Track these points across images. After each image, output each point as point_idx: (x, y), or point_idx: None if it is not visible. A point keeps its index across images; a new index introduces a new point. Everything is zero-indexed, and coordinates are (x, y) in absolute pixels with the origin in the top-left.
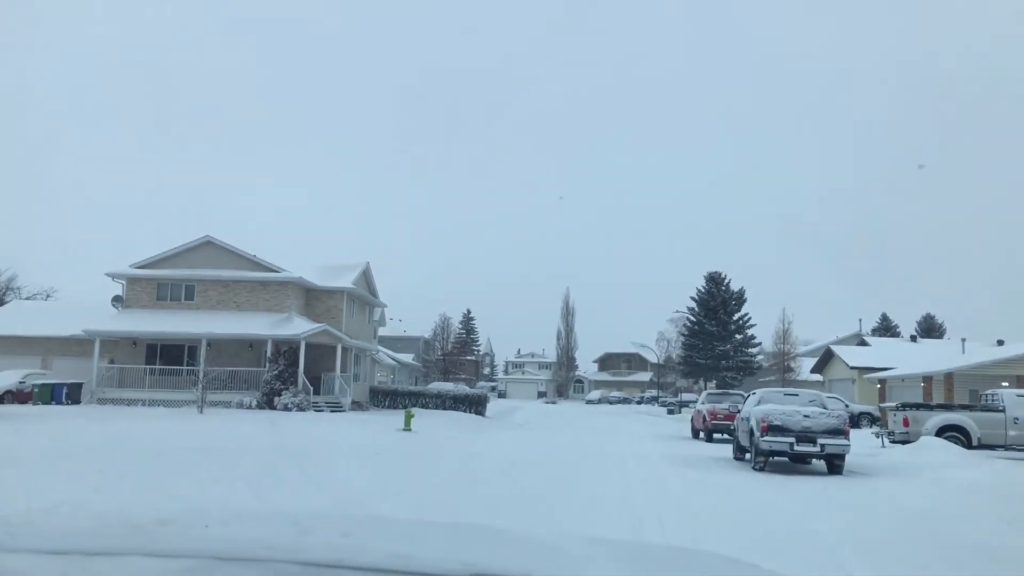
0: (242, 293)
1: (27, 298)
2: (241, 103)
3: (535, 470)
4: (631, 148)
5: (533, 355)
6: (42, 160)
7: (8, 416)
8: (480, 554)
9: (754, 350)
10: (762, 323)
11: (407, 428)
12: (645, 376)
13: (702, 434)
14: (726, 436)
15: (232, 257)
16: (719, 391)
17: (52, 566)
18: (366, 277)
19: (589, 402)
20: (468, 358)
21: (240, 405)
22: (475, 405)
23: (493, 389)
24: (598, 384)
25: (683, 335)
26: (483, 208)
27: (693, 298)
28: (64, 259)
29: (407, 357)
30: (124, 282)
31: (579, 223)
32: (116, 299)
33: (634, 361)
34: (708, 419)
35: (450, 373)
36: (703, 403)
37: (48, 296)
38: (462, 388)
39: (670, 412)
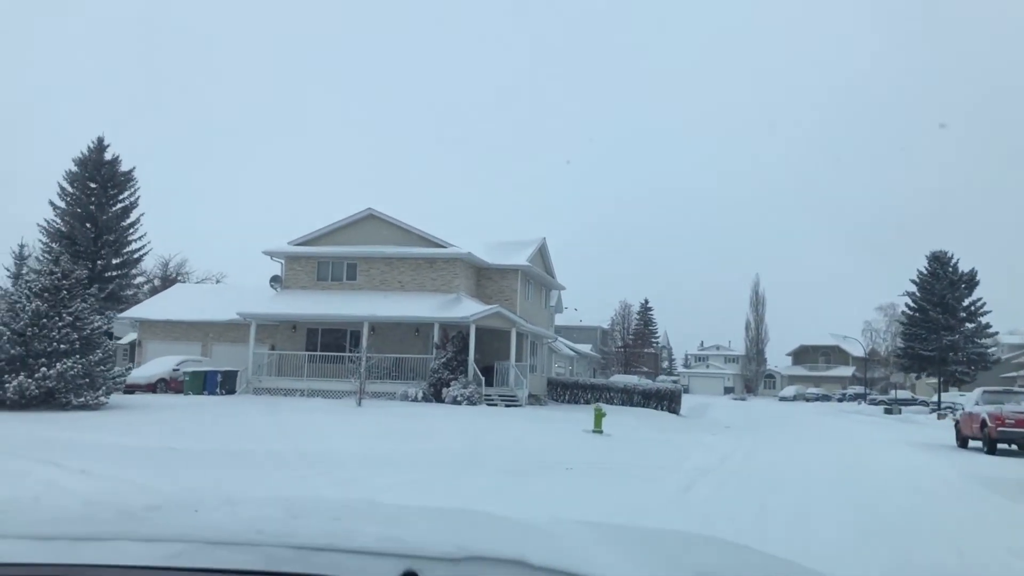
0: (406, 271)
1: (199, 282)
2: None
3: (819, 504)
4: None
5: (718, 347)
6: (226, 141)
7: (141, 407)
8: (473, 538)
9: (988, 341)
10: (998, 310)
11: (598, 429)
12: (846, 371)
13: (979, 443)
14: (1014, 447)
15: (395, 231)
16: (998, 389)
17: (40, 551)
18: (542, 255)
19: (783, 399)
20: (647, 350)
21: (404, 397)
22: (667, 401)
23: (675, 383)
24: (792, 379)
25: (902, 323)
26: (654, 188)
27: (914, 281)
28: (236, 243)
29: (584, 348)
30: (283, 261)
31: (767, 206)
32: (275, 279)
33: (833, 354)
34: (991, 424)
35: (631, 366)
36: (978, 403)
37: (218, 281)
38: (649, 382)
39: (887, 412)
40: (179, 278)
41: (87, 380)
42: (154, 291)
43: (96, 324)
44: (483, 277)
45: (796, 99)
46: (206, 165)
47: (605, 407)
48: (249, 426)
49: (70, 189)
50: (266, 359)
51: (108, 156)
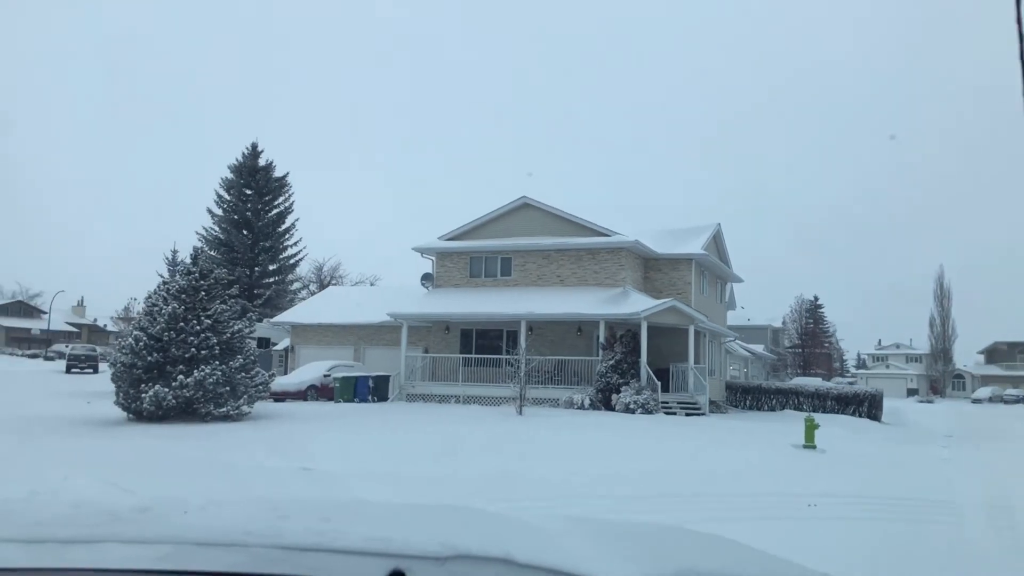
0: (566, 264)
1: (355, 284)
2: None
3: None
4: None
5: (898, 346)
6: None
7: (287, 416)
8: (459, 535)
9: None
10: None
11: (810, 444)
12: None
13: None
14: None
15: (553, 221)
16: None
17: (26, 554)
18: (717, 243)
19: (975, 401)
20: (820, 350)
21: (569, 404)
22: (867, 406)
23: (852, 384)
24: (985, 380)
25: None
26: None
27: None
28: (391, 243)
29: (757, 348)
30: (434, 258)
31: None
32: (425, 278)
33: None
34: None
35: (809, 367)
36: None
37: (372, 284)
38: (843, 384)
39: None
40: (333, 282)
41: (228, 388)
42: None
43: (237, 327)
44: (651, 269)
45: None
46: (364, 165)
47: (794, 414)
48: (411, 441)
49: (227, 196)
50: (419, 363)
51: (262, 162)
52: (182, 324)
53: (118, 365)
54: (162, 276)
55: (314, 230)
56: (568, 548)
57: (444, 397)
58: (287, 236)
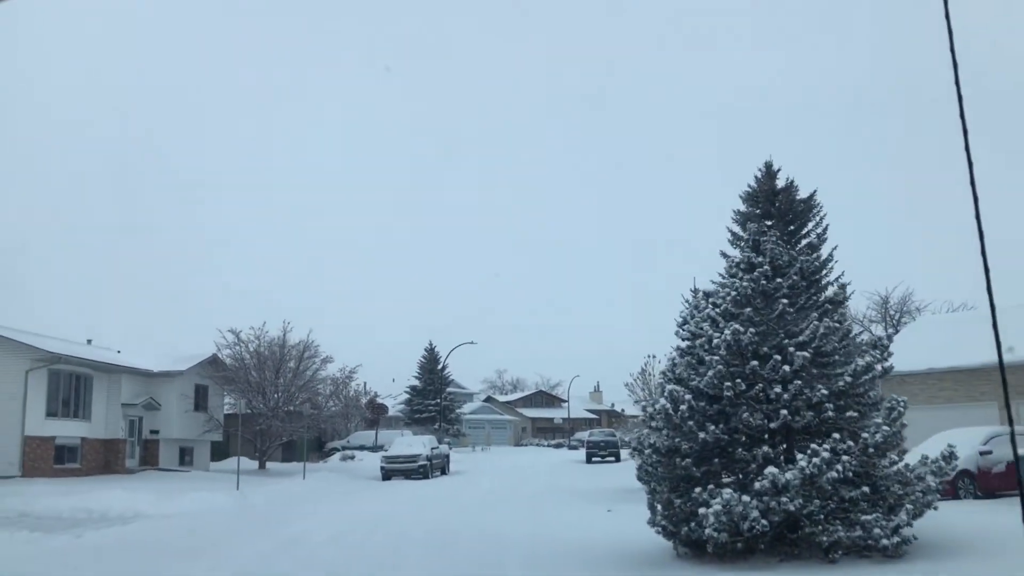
0: None
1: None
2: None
3: None
4: None
5: None
6: None
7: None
8: None
9: None
10: None
11: None
12: None
13: None
14: None
15: None
16: None
17: None
18: None
19: None
20: None
21: None
22: None
23: None
24: None
25: None
26: None
27: None
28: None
29: None
30: None
31: None
32: None
33: None
34: None
35: None
36: None
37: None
38: None
39: None
40: (904, 317)
41: (865, 489)
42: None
43: (861, 364)
44: None
45: None
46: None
47: None
48: None
49: (741, 233)
50: None
51: (780, 183)
52: (754, 363)
53: (646, 452)
54: (683, 323)
55: (853, 257)
56: None
57: None
58: (826, 269)
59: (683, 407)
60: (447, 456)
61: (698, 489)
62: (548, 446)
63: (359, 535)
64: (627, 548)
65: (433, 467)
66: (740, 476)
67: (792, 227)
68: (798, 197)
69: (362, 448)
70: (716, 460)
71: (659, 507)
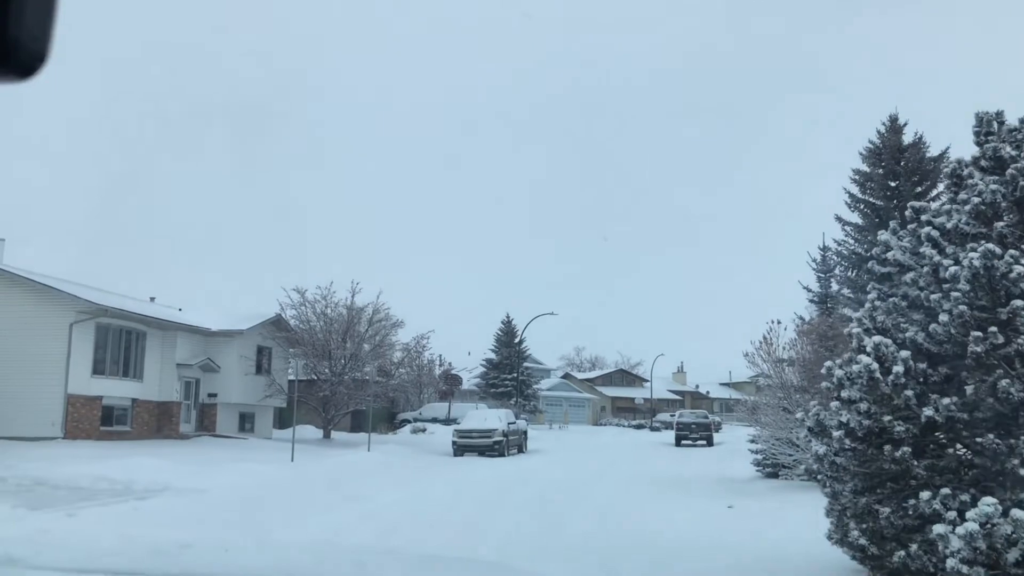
0: None
1: None
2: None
3: None
4: None
5: None
6: None
7: None
8: None
9: None
10: None
11: None
12: None
13: None
14: None
15: None
16: None
17: None
18: None
19: None
20: None
21: None
22: None
23: None
24: None
25: None
26: None
27: None
28: None
29: None
30: None
31: None
32: None
33: None
34: None
35: None
36: None
37: None
38: None
39: None
40: None
41: None
42: None
43: None
44: None
45: None
46: None
47: None
48: None
49: (859, 194)
50: None
51: (907, 139)
52: (1017, 304)
53: (835, 435)
54: (809, 290)
55: None
56: None
57: None
58: None
59: (897, 368)
60: (525, 433)
61: (925, 495)
62: (628, 426)
63: (403, 537)
64: (792, 565)
65: (510, 444)
66: (998, 478)
67: (920, 189)
68: (928, 155)
69: (434, 420)
70: (950, 450)
71: (849, 518)
